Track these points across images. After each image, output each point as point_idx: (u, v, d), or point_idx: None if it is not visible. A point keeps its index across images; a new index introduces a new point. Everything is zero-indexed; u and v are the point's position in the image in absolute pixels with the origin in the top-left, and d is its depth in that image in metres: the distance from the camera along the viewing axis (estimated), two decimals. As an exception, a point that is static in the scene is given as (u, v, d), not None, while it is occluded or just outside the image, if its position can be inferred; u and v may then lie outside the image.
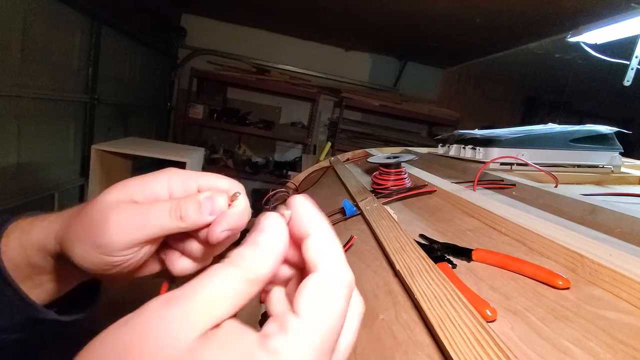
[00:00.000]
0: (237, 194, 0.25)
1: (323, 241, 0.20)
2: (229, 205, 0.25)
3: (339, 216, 0.74)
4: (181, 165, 1.74)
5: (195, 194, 0.25)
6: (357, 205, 0.71)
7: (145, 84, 2.79)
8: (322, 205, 0.91)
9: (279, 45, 3.41)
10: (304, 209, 0.21)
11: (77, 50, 1.87)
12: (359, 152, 1.39)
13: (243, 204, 0.25)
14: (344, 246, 0.57)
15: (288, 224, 0.21)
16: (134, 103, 2.64)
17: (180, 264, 0.28)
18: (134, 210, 0.24)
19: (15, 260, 0.29)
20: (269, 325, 0.18)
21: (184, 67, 3.32)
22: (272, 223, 0.20)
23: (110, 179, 1.82)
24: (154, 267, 0.30)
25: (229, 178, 0.27)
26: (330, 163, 1.29)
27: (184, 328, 0.17)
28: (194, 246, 0.27)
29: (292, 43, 3.43)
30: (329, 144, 2.85)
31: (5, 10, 1.38)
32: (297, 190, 1.23)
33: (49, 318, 0.31)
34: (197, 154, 2.07)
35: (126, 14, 2.24)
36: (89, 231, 0.25)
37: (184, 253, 0.28)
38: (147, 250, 0.26)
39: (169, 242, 0.28)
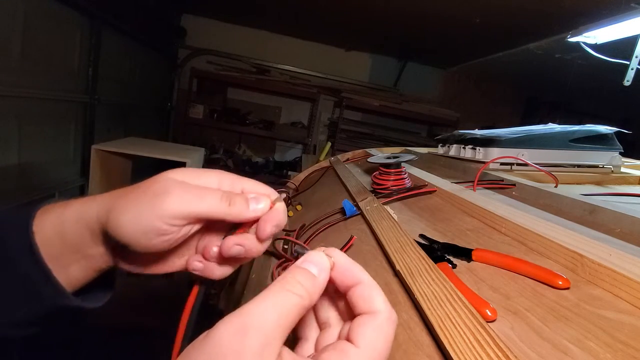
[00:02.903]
0: (279, 197, 0.31)
1: (375, 288, 0.25)
2: (270, 207, 0.30)
3: (339, 216, 0.74)
4: (181, 165, 1.74)
5: (244, 193, 0.30)
6: (357, 205, 0.71)
7: (145, 84, 2.79)
8: (322, 205, 0.91)
9: (279, 45, 3.41)
10: (348, 261, 0.26)
11: (77, 51, 1.87)
12: (359, 152, 1.39)
13: (283, 206, 0.30)
14: (344, 246, 0.57)
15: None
16: (134, 103, 2.64)
17: (217, 271, 0.31)
18: (193, 188, 0.28)
19: (48, 238, 0.29)
20: (329, 354, 0.22)
21: (184, 67, 3.32)
22: (325, 261, 0.25)
23: (110, 179, 1.82)
24: (178, 264, 0.33)
25: (267, 186, 0.32)
26: (330, 163, 1.29)
27: None
28: (235, 249, 0.30)
29: (292, 43, 3.43)
30: (329, 144, 2.86)
31: (5, 10, 1.38)
32: (297, 190, 1.23)
33: (73, 305, 0.30)
34: (197, 154, 2.07)
35: (126, 14, 2.24)
36: (147, 198, 0.27)
37: (218, 262, 0.31)
38: (188, 230, 0.29)
39: (207, 252, 0.31)
